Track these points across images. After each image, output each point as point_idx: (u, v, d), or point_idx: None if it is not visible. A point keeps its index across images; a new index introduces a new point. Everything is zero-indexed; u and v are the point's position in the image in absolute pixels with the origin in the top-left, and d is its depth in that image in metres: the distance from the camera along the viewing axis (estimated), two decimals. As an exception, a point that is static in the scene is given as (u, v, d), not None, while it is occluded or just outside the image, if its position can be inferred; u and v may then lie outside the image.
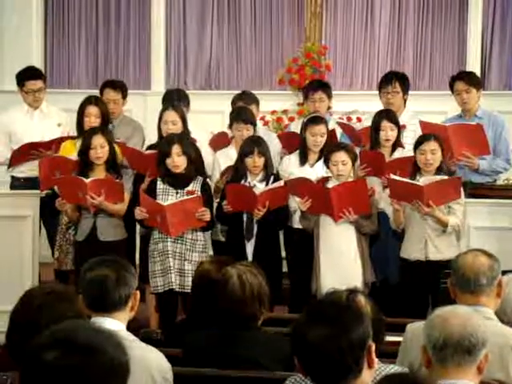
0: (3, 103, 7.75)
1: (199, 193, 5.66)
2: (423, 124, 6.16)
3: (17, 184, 6.74)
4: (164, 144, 5.77)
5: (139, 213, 5.62)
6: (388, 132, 6.04)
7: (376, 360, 2.90)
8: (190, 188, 5.69)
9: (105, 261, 3.30)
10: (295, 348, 2.49)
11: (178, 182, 5.70)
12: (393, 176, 5.56)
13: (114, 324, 3.13)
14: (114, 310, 3.20)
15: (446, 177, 5.62)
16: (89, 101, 6.31)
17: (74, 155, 6.04)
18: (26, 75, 6.81)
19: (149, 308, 6.02)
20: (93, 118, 6.22)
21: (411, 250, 5.63)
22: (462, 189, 5.61)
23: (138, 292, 3.29)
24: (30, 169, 6.58)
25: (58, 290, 2.89)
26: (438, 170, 5.62)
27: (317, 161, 6.12)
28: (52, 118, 6.86)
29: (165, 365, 3.25)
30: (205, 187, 5.75)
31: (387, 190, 5.79)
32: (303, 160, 6.15)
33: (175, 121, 6.10)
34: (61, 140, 6.43)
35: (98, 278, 3.21)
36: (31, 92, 6.77)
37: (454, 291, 3.54)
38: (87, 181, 5.66)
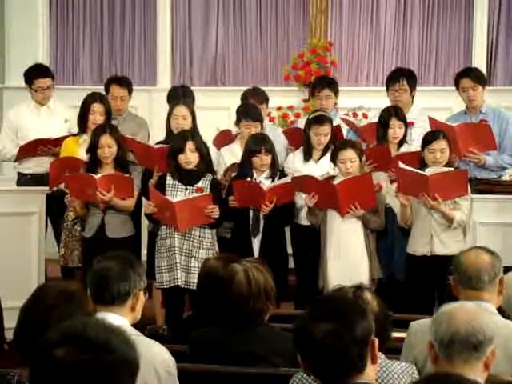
0: (9, 99, 7.75)
1: (208, 190, 5.65)
2: (432, 121, 6.15)
3: (23, 180, 6.74)
4: (177, 140, 5.72)
5: (148, 207, 5.62)
6: (396, 130, 6.04)
7: (382, 356, 2.91)
8: (199, 185, 5.68)
9: (114, 255, 3.34)
10: (298, 344, 2.49)
11: (188, 178, 5.67)
12: (401, 165, 5.55)
13: (118, 319, 3.12)
14: (112, 304, 3.20)
15: (452, 168, 5.62)
16: (94, 98, 6.27)
17: (78, 153, 6.04)
18: (36, 73, 6.76)
19: (155, 304, 6.02)
20: (98, 116, 6.19)
21: (417, 245, 5.63)
22: (468, 184, 5.62)
23: (141, 293, 3.28)
24: (36, 165, 6.59)
25: (69, 289, 2.90)
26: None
27: (321, 157, 6.12)
28: (59, 115, 6.83)
29: (168, 359, 3.25)
30: (214, 184, 5.74)
31: (394, 185, 5.79)
32: (307, 156, 6.15)
33: (186, 116, 6.09)
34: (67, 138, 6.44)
35: (101, 269, 3.26)
36: (40, 90, 6.74)
37: (456, 288, 3.56)
38: (97, 177, 5.65)
